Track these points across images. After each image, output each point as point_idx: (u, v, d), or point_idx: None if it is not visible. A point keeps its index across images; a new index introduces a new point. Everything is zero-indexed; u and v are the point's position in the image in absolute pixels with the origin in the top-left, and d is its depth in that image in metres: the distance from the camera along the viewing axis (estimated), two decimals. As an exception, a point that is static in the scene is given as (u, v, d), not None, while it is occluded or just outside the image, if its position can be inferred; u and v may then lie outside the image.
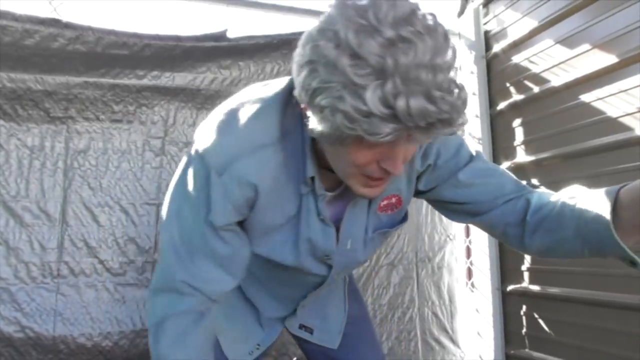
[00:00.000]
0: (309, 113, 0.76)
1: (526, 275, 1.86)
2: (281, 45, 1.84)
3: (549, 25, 1.73)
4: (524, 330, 1.88)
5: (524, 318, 1.88)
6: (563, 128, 1.67)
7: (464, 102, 0.70)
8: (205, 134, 0.87)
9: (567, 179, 1.69)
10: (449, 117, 0.67)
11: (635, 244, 0.80)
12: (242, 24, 1.82)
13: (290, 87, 0.86)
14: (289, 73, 2.07)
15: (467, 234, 2.14)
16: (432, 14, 0.70)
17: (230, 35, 1.75)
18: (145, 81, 1.71)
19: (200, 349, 0.92)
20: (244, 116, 0.86)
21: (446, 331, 2.07)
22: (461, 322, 2.10)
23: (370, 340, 1.35)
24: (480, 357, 2.06)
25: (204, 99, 1.80)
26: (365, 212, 0.98)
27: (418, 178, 0.98)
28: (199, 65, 1.77)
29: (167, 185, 1.70)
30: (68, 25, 1.59)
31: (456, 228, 2.18)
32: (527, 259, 1.87)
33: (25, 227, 1.58)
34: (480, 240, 2.05)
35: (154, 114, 1.74)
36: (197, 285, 0.90)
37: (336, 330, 1.26)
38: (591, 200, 0.84)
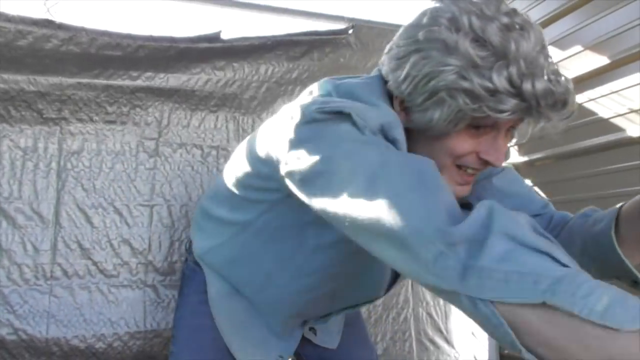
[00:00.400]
0: (409, 104, 0.78)
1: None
2: (275, 47, 1.84)
3: (541, 26, 1.74)
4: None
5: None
6: (555, 129, 1.68)
7: (572, 88, 0.75)
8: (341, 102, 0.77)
9: (560, 180, 1.71)
10: (565, 99, 0.72)
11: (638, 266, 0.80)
12: (236, 26, 1.82)
13: (381, 83, 0.85)
14: (284, 74, 2.07)
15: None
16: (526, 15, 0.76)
17: (224, 36, 1.75)
18: (139, 82, 1.71)
19: None
20: (363, 96, 0.80)
21: (441, 331, 2.08)
22: (455, 323, 2.11)
23: (363, 340, 1.36)
24: (475, 357, 2.06)
25: (198, 100, 1.80)
26: None
27: None
28: (193, 66, 1.77)
29: (161, 187, 1.72)
30: (61, 26, 1.58)
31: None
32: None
33: (18, 228, 1.57)
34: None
35: (148, 115, 1.74)
36: None
37: (335, 331, 1.26)
38: (597, 217, 0.86)
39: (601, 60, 1.51)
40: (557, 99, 0.71)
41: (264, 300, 1.10)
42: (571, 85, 0.74)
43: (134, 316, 1.66)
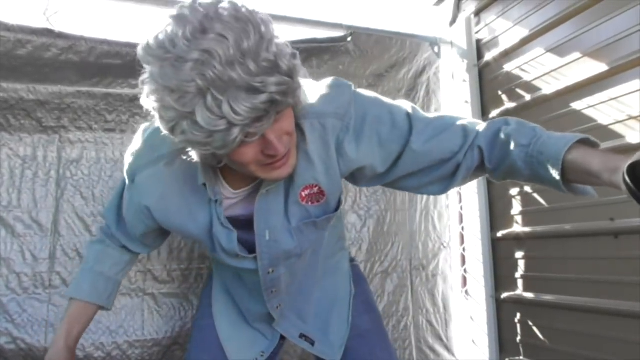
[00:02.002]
0: None
1: (520, 282, 1.87)
2: (274, 55, 1.84)
3: (539, 34, 1.75)
4: (519, 337, 1.88)
5: (518, 326, 1.88)
6: (555, 136, 1.68)
7: (290, 72, 0.71)
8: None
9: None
10: (276, 97, 0.70)
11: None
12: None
13: None
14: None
15: (462, 242, 2.14)
16: (230, 3, 0.71)
17: (223, 44, 1.75)
18: (138, 90, 1.70)
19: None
20: (150, 129, 0.98)
21: (441, 339, 2.07)
22: (456, 330, 2.10)
23: (381, 356, 1.27)
24: (475, 365, 2.05)
25: (197, 108, 1.80)
26: (281, 202, 0.99)
27: (362, 167, 0.98)
28: (192, 74, 1.77)
29: (161, 195, 1.72)
30: (61, 35, 1.59)
31: (450, 236, 2.18)
32: (521, 266, 1.87)
33: (17, 237, 1.57)
34: (475, 247, 2.05)
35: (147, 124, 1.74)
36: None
37: (337, 344, 1.24)
38: (541, 159, 0.87)
39: (600, 67, 1.51)
40: (268, 102, 0.69)
41: (239, 295, 1.26)
42: (285, 68, 0.70)
43: (132, 325, 1.65)
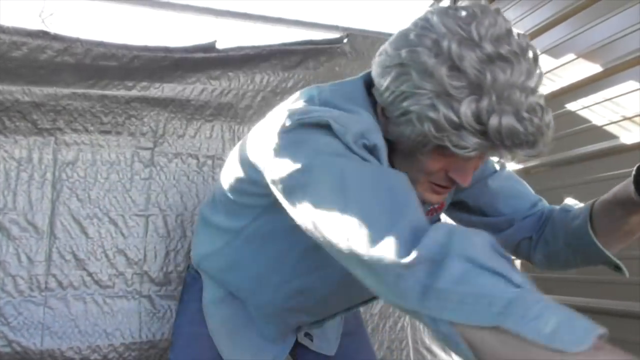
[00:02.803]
0: (388, 114, 0.77)
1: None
2: (271, 56, 1.84)
3: (534, 35, 1.76)
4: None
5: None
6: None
7: (549, 126, 0.71)
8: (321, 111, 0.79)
9: (555, 187, 1.71)
10: (534, 140, 0.69)
11: (621, 250, 0.86)
12: (232, 36, 1.83)
13: (366, 85, 0.85)
14: (279, 83, 2.08)
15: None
16: (525, 36, 0.72)
17: (219, 46, 1.75)
18: (134, 92, 1.71)
19: None
20: (343, 102, 0.82)
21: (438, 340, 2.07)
22: (452, 331, 2.10)
23: (365, 349, 1.33)
24: (472, 365, 2.06)
25: (194, 110, 1.80)
26: None
27: None
28: (189, 76, 1.77)
29: (157, 197, 1.72)
30: (56, 37, 1.58)
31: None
32: (517, 266, 1.87)
33: (13, 240, 1.56)
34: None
35: (143, 125, 1.74)
36: None
37: (333, 337, 1.25)
38: (575, 213, 0.92)
39: (594, 68, 1.52)
40: (523, 139, 0.68)
41: (258, 303, 1.10)
42: (547, 123, 0.70)
43: (129, 327, 1.64)
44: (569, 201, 0.97)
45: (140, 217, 1.71)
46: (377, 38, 2.04)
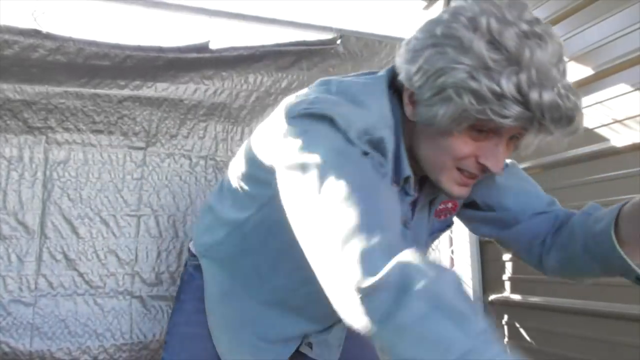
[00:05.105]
0: (418, 98, 0.77)
1: (507, 284, 1.88)
2: (264, 56, 1.84)
3: (561, 41, 1.77)
4: (506, 339, 1.89)
5: (506, 327, 1.89)
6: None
7: (581, 107, 0.74)
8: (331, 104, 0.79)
9: (546, 189, 1.71)
10: (572, 115, 0.72)
11: None
12: (225, 36, 1.82)
13: (389, 78, 0.86)
14: (273, 83, 2.07)
15: (450, 244, 2.15)
16: (549, 25, 0.75)
17: (213, 46, 1.75)
18: (126, 91, 1.70)
19: None
20: (355, 94, 0.82)
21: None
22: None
23: (368, 353, 1.23)
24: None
25: (187, 110, 1.79)
26: (427, 215, 0.96)
27: None
28: (182, 75, 1.77)
29: (149, 197, 1.71)
30: (48, 36, 1.57)
31: (440, 238, 2.19)
32: (509, 268, 1.88)
33: (3, 239, 1.55)
34: (463, 249, 2.07)
35: (136, 125, 1.73)
36: None
37: (335, 344, 1.21)
38: (598, 216, 0.87)
39: (586, 71, 1.53)
40: (563, 113, 0.70)
41: (265, 296, 1.08)
42: (580, 103, 0.73)
43: (120, 328, 1.63)
44: (592, 206, 0.95)
45: (132, 217, 1.70)
46: (370, 39, 2.04)
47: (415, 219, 0.94)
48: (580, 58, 1.56)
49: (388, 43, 2.10)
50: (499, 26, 0.69)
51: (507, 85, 0.67)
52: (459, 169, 0.80)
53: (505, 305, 1.89)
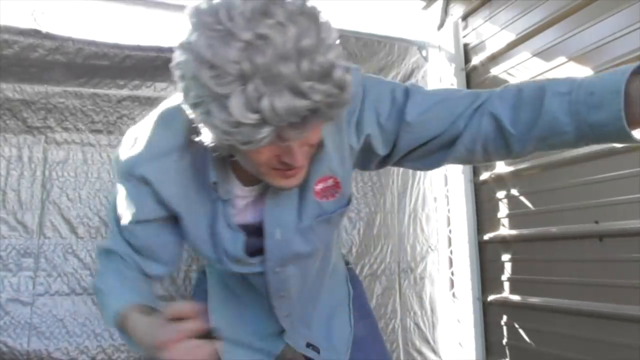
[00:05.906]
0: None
1: (506, 285, 1.88)
2: (263, 57, 1.84)
3: (525, 38, 1.77)
4: (505, 340, 1.88)
5: (504, 328, 1.89)
6: (541, 139, 1.70)
7: (341, 84, 0.65)
8: (121, 147, 0.93)
9: (546, 189, 1.72)
10: (320, 107, 0.64)
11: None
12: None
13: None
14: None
15: (449, 244, 2.15)
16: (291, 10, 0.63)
17: (211, 46, 1.75)
18: (125, 91, 1.70)
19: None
20: (149, 126, 0.90)
21: (428, 342, 2.07)
22: (443, 333, 2.10)
23: (378, 352, 1.26)
24: (463, 367, 2.06)
25: (185, 110, 1.79)
26: (294, 199, 0.93)
27: (367, 151, 0.92)
28: (180, 75, 1.76)
29: (148, 196, 1.70)
30: (48, 36, 1.58)
31: (438, 238, 2.19)
32: (508, 269, 1.88)
33: (2, 238, 1.55)
34: (462, 250, 2.06)
35: (135, 124, 1.73)
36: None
37: (343, 349, 1.21)
38: (592, 102, 0.75)
39: (585, 72, 1.53)
40: (308, 110, 0.63)
41: (244, 298, 1.19)
42: (338, 80, 0.64)
43: (118, 328, 1.63)
44: (529, 85, 0.84)
45: (131, 216, 1.70)
46: (369, 40, 2.04)
47: (270, 203, 0.91)
48: (579, 58, 1.56)
49: (387, 43, 2.10)
50: (213, 48, 0.61)
51: (237, 109, 0.61)
52: (274, 168, 0.77)
53: (504, 305, 1.89)
